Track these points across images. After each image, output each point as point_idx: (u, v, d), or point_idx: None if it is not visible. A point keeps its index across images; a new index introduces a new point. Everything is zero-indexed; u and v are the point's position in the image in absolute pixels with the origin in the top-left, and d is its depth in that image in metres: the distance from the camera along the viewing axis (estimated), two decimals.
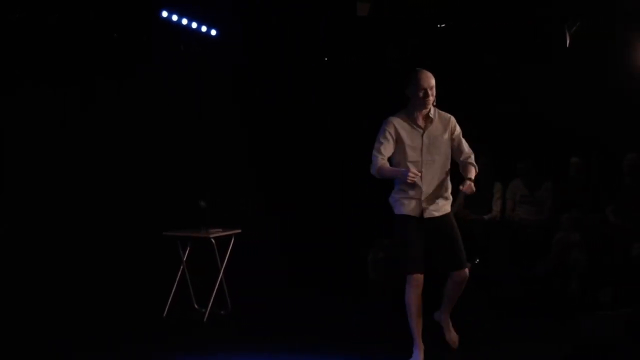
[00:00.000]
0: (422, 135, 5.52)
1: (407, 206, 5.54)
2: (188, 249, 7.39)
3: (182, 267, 7.36)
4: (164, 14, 8.46)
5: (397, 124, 5.52)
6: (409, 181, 5.34)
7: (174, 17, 8.57)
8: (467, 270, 5.65)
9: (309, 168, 9.84)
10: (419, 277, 5.50)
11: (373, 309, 7.48)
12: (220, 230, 7.26)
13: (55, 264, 7.95)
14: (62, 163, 8.29)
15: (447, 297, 5.81)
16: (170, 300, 7.21)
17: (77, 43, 8.21)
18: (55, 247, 8.02)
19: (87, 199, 8.40)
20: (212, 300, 7.16)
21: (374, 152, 5.51)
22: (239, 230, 7.40)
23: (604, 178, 8.44)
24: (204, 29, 9.07)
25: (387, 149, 5.49)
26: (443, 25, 8.89)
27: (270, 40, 9.45)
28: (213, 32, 9.21)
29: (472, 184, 5.48)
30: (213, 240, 7.14)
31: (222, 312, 7.32)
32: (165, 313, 7.18)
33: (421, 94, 5.43)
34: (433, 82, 5.49)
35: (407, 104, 5.57)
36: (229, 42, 9.45)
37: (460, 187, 5.43)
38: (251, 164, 9.58)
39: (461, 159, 5.67)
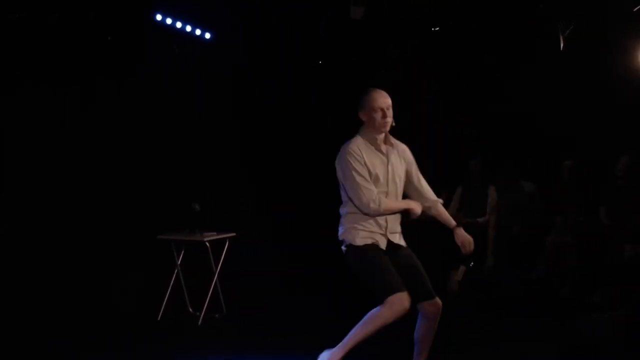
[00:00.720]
0: (387, 164, 4.96)
1: (368, 238, 4.91)
2: (182, 252, 7.41)
3: (176, 270, 7.38)
4: (158, 17, 8.47)
5: (362, 150, 4.91)
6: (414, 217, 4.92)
7: (168, 21, 8.58)
8: (439, 301, 4.95)
9: (306, 169, 9.84)
10: (403, 296, 4.72)
11: (364, 310, 7.47)
12: (215, 233, 7.25)
13: (52, 265, 7.93)
14: (60, 163, 8.27)
15: (420, 343, 5.07)
16: (164, 303, 7.22)
17: (77, 43, 8.20)
18: (52, 249, 8.00)
19: (83, 201, 8.39)
20: (206, 303, 7.16)
21: (362, 185, 4.81)
22: (234, 234, 7.40)
23: (596, 180, 8.47)
24: (198, 32, 9.06)
25: (368, 178, 4.86)
26: (437, 28, 8.89)
27: (269, 41, 9.46)
28: (207, 36, 9.21)
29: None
30: (207, 244, 7.13)
31: (216, 315, 7.32)
32: (159, 317, 7.19)
33: (379, 116, 4.88)
34: (389, 101, 4.96)
35: (360, 129, 5.01)
36: (227, 43, 9.45)
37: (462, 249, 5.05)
38: (246, 166, 9.60)
39: (427, 204, 5.13)
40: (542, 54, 8.63)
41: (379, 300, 4.77)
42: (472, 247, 5.02)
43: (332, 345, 6.11)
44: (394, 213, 4.94)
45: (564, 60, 8.44)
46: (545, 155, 8.96)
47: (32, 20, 7.69)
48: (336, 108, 9.89)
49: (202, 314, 7.14)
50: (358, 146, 4.92)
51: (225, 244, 7.33)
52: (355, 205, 4.92)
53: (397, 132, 5.08)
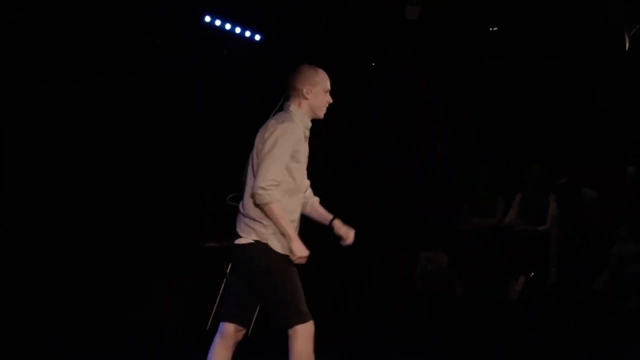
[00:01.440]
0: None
1: (284, 244, 4.12)
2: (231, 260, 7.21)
3: (225, 279, 7.18)
4: (207, 18, 8.33)
5: (302, 130, 4.23)
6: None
7: (217, 22, 8.44)
8: None
9: (350, 181, 9.72)
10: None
11: (420, 321, 7.36)
12: None
13: (96, 273, 7.79)
14: (104, 168, 8.12)
15: None
16: (213, 313, 7.02)
17: (116, 47, 8.04)
18: (97, 256, 7.86)
19: (130, 207, 8.24)
20: (255, 313, 6.95)
21: (278, 167, 4.06)
22: None
23: None
24: (247, 33, 8.91)
25: (286, 169, 4.12)
26: (495, 28, 8.62)
27: (314, 44, 9.32)
28: (257, 37, 9.05)
29: None
30: None
31: (265, 326, 7.12)
32: (208, 326, 6.99)
33: (327, 99, 4.33)
34: None
35: (292, 108, 4.28)
36: (272, 47, 9.29)
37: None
38: None
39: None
40: (609, 55, 8.31)
41: (283, 325, 4.19)
42: (352, 238, 4.34)
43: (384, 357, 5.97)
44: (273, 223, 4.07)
45: (630, 61, 8.12)
46: (609, 162, 8.62)
47: (75, 22, 7.55)
48: (386, 111, 9.78)
49: (252, 323, 6.91)
50: (299, 124, 4.21)
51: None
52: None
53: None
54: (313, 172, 9.50)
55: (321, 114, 4.37)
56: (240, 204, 4.26)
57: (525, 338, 6.65)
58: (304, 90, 4.29)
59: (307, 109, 4.33)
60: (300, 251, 4.10)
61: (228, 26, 8.58)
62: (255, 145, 4.24)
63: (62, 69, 7.78)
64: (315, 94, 4.33)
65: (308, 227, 4.87)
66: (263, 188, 4.00)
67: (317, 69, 4.38)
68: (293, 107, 4.31)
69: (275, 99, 9.28)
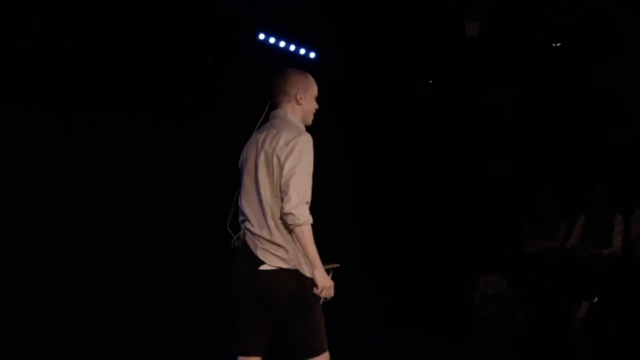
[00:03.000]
0: None
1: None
2: None
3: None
4: (261, 36, 8.24)
5: None
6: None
7: (272, 40, 8.35)
8: None
9: (406, 201, 9.55)
10: None
11: (480, 346, 7.24)
12: None
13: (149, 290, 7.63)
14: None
15: None
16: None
17: (168, 66, 7.94)
18: (147, 272, 7.68)
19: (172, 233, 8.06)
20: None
21: (309, 186, 3.90)
22: (338, 265, 6.97)
23: None
24: (302, 51, 8.81)
25: None
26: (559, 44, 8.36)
27: (368, 61, 9.18)
28: (312, 55, 8.95)
29: None
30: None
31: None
32: None
33: (315, 105, 4.21)
34: None
35: (291, 115, 4.12)
36: (327, 64, 9.17)
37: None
38: (350, 194, 9.30)
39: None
40: None
41: (311, 353, 4.01)
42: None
43: None
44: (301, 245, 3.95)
45: None
46: None
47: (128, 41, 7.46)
48: (440, 137, 9.63)
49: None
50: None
51: (329, 275, 6.91)
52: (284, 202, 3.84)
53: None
54: (417, 193, 9.47)
55: (310, 121, 4.22)
56: (252, 225, 3.96)
57: None
58: (297, 95, 4.15)
59: (299, 115, 4.17)
60: (324, 280, 3.98)
61: (282, 44, 8.49)
62: (258, 159, 3.99)
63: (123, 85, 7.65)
64: (307, 99, 4.18)
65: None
66: (297, 208, 3.79)
67: (306, 74, 4.25)
68: (289, 114, 4.14)
69: (329, 116, 9.18)
